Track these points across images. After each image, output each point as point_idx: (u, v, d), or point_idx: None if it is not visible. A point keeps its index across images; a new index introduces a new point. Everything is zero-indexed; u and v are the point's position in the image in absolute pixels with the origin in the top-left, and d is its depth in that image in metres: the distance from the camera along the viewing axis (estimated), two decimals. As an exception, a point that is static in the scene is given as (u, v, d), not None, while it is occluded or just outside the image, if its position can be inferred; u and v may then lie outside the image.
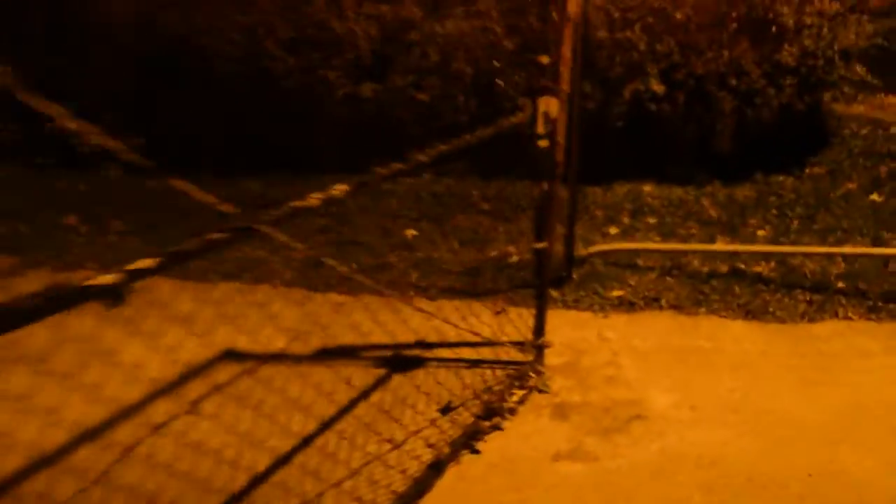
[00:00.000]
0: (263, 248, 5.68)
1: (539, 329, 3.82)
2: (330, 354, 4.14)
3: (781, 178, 6.37)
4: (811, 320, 4.22)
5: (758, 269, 4.85)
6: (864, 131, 7.09)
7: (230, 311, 4.68)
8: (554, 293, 4.62)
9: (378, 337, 4.20)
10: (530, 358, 3.83)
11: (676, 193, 6.29)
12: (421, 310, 3.76)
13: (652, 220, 5.90)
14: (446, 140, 3.15)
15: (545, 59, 3.37)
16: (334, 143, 6.81)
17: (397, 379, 3.83)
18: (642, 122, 6.24)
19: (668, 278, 4.77)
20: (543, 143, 3.46)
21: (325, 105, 6.70)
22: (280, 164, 6.83)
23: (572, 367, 3.84)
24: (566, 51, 3.50)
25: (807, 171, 6.49)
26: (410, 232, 5.89)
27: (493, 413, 3.44)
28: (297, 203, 2.21)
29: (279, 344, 4.24)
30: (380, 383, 3.79)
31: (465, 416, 3.48)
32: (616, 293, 4.58)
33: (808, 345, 3.97)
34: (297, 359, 4.10)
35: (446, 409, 3.52)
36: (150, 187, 7.22)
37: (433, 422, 3.43)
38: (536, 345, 3.82)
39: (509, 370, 3.82)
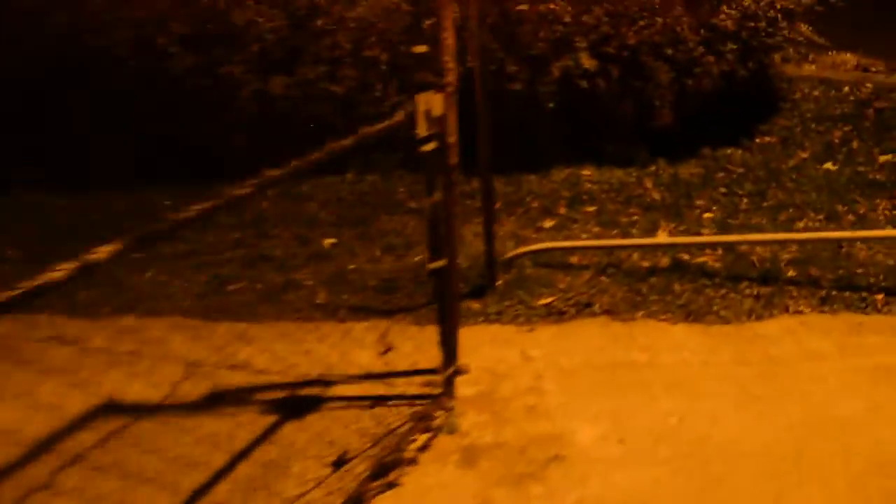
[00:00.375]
0: (164, 273, 5.17)
1: (448, 358, 3.33)
2: (219, 400, 3.63)
3: (730, 151, 5.91)
4: (758, 318, 3.77)
5: (702, 259, 4.39)
6: (815, 93, 6.63)
7: (116, 351, 4.16)
8: (475, 305, 4.14)
9: (277, 372, 3.72)
10: (439, 391, 3.34)
11: (617, 176, 5.81)
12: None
13: (591, 209, 5.42)
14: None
15: (422, 49, 2.85)
16: (247, 145, 6.25)
17: (289, 427, 3.33)
18: (576, 100, 5.73)
19: (604, 278, 4.29)
20: (429, 147, 2.95)
21: (234, 103, 6.13)
22: (189, 171, 6.25)
23: (488, 398, 3.36)
24: (448, 37, 2.98)
25: (757, 140, 6.03)
26: (328, 241, 5.37)
27: (389, 466, 2.95)
28: (42, 279, 1.68)
29: (164, 390, 3.73)
30: (268, 434, 3.29)
31: (360, 470, 2.99)
32: (544, 301, 4.09)
33: (755, 348, 3.52)
34: (181, 408, 3.59)
35: (339, 463, 3.04)
36: (54, 206, 6.67)
37: (321, 481, 2.95)
38: (445, 377, 3.33)
39: (417, 407, 3.34)
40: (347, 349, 3.80)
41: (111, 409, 3.65)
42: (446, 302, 3.24)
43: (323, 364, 3.69)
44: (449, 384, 3.34)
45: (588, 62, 5.36)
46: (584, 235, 5.00)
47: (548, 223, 5.28)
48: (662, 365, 3.46)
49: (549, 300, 4.09)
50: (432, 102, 2.86)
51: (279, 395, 3.61)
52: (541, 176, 5.94)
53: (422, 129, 2.85)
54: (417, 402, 3.37)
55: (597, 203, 5.49)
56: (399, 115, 2.85)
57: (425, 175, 3.02)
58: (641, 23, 5.34)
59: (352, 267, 4.90)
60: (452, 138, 3.12)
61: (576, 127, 5.89)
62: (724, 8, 5.45)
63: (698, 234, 4.82)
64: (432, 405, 3.29)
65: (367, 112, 6.05)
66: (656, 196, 5.45)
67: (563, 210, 5.45)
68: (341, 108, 6.04)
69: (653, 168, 5.84)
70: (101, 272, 5.41)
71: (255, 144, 6.29)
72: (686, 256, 4.43)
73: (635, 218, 5.20)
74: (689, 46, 5.36)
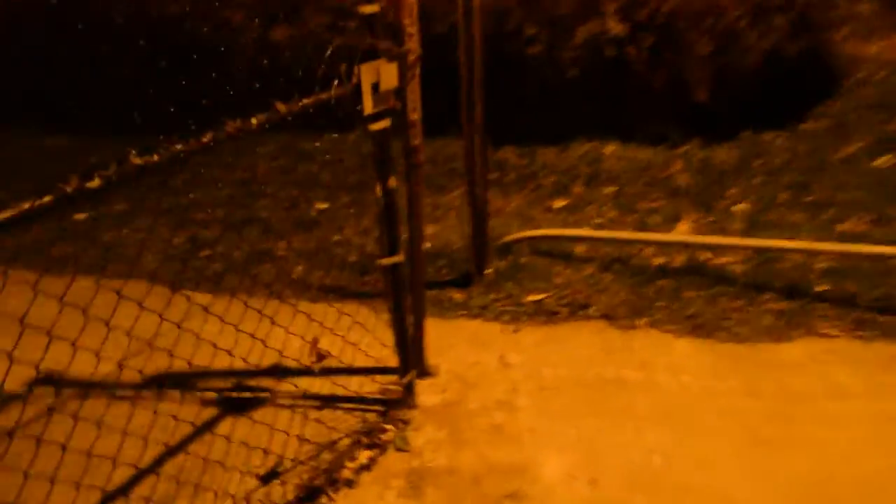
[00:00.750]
0: (142, 229, 4.84)
1: (406, 365, 2.91)
2: (161, 383, 3.29)
3: (772, 135, 5.29)
4: (778, 339, 3.25)
5: (723, 260, 3.87)
6: (877, 76, 5.92)
7: (70, 318, 3.81)
8: (457, 296, 3.70)
9: (231, 356, 3.32)
10: (397, 398, 2.93)
11: (644, 155, 5.25)
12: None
13: (609, 190, 4.90)
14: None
15: (372, 9, 2.36)
16: (248, 97, 5.83)
17: (226, 424, 2.98)
18: (603, 69, 5.17)
19: (608, 274, 3.81)
20: (379, 126, 2.49)
21: (234, 52, 5.70)
22: (189, 117, 5.88)
23: (451, 410, 2.94)
24: (410, -9, 2.48)
25: (804, 126, 5.39)
26: (320, 205, 4.96)
27: (321, 487, 2.56)
28: None
29: (106, 367, 3.38)
30: (201, 431, 2.94)
31: (290, 488, 2.61)
32: (535, 297, 3.63)
33: (769, 377, 3.01)
34: (118, 389, 3.25)
35: (268, 477, 2.66)
36: (52, 146, 6.43)
37: (246, 497, 2.57)
38: (403, 385, 2.91)
39: (370, 413, 2.94)
40: (311, 336, 3.39)
41: (46, 382, 3.35)
42: (402, 303, 2.79)
43: (285, 348, 3.28)
44: (407, 392, 2.93)
45: (616, 27, 4.79)
46: (597, 220, 4.50)
47: (559, 203, 4.79)
48: (657, 387, 2.99)
49: (541, 296, 3.63)
50: (384, 73, 2.39)
51: (227, 383, 3.25)
52: (560, 149, 5.42)
53: (367, 105, 2.38)
54: (372, 407, 2.97)
55: (617, 184, 4.97)
56: (343, 87, 2.36)
57: (375, 158, 2.56)
58: (682, -13, 4.73)
59: (337, 238, 4.49)
60: (415, 114, 2.66)
61: (602, 98, 5.34)
62: (776, -24, 4.80)
63: (725, 229, 4.28)
64: (386, 415, 2.88)
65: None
66: (684, 181, 4.90)
67: (578, 189, 4.95)
68: (345, 60, 5.55)
69: (684, 149, 5.27)
70: (80, 225, 5.07)
71: (256, 97, 5.88)
72: (706, 255, 3.91)
73: (657, 204, 4.67)
74: (731, 17, 4.72)
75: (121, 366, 3.45)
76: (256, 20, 5.56)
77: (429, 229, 4.53)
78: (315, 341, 3.19)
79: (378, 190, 2.59)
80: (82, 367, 3.32)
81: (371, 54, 2.34)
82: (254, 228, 4.71)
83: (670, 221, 4.44)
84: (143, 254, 4.49)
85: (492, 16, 5.18)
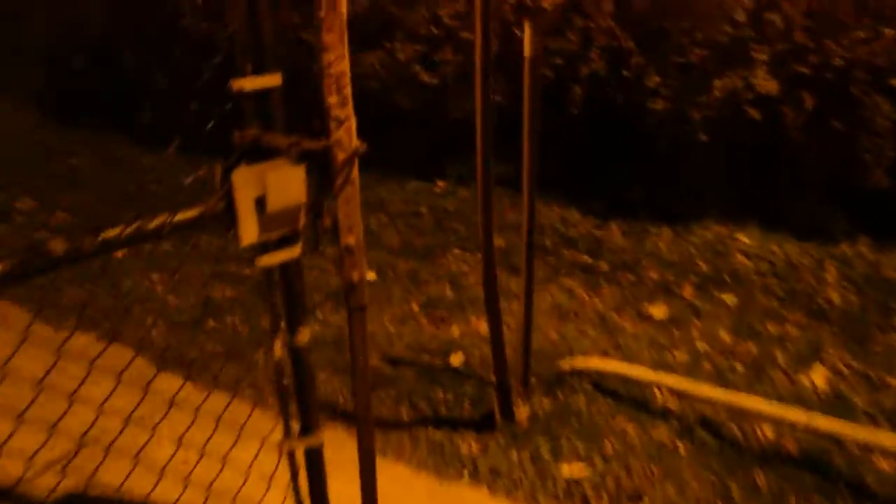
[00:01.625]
0: (166, 281, 4.28)
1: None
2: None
3: (978, 243, 3.87)
4: None
5: (865, 453, 2.64)
6: None
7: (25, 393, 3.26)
8: (468, 446, 2.76)
9: (165, 485, 2.59)
10: None
11: (789, 252, 4.01)
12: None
13: (729, 299, 3.72)
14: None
15: (262, 83, 1.48)
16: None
17: None
18: (745, 134, 3.98)
19: (685, 444, 2.71)
20: (273, 260, 1.60)
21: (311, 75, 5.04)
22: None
23: None
24: (333, 41, 1.57)
25: None
26: (369, 274, 4.16)
27: None
28: None
29: (18, 472, 2.77)
30: None
31: None
32: (572, 471, 2.61)
33: None
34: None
35: None
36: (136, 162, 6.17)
37: None
38: None
39: None
40: (255, 479, 2.58)
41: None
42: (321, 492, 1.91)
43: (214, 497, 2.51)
44: None
45: (766, 84, 3.59)
46: (699, 344, 3.38)
47: (658, 310, 3.69)
48: None
49: (580, 473, 2.59)
50: (277, 182, 1.49)
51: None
52: (676, 231, 4.28)
53: (246, 233, 1.48)
54: None
55: (742, 290, 3.78)
56: (210, 203, 1.49)
57: (271, 303, 1.68)
58: (860, 34, 3.44)
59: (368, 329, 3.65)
60: (352, 238, 1.75)
61: (741, 171, 4.14)
62: None
63: (882, 386, 3.02)
64: None
65: (463, 107, 4.71)
66: (836, 297, 3.64)
67: (688, 291, 3.81)
68: (433, 100, 4.72)
69: (845, 248, 3.97)
70: (113, 264, 4.53)
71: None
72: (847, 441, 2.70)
73: (792, 329, 3.46)
74: (932, 81, 3.40)
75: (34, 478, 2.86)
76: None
77: (480, 326, 3.61)
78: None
79: (277, 349, 1.72)
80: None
81: (261, 152, 1.46)
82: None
83: (803, 360, 3.23)
84: (152, 314, 3.91)
85: (604, 55, 4.16)
